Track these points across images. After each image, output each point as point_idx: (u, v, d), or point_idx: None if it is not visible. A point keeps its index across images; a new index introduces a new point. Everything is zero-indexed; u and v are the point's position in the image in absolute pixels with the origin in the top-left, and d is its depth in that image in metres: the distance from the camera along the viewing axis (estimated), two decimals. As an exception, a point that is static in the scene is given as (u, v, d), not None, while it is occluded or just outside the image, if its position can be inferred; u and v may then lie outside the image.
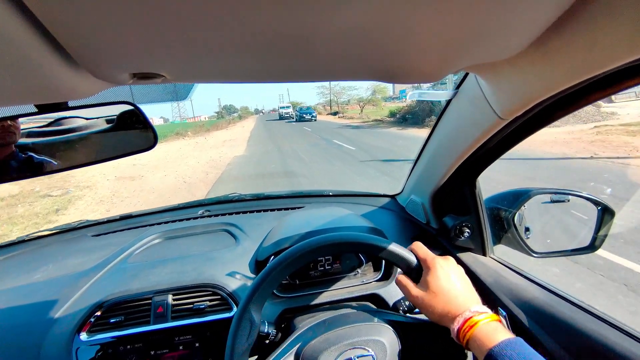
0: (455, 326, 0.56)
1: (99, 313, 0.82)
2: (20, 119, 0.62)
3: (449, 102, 0.78)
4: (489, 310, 0.58)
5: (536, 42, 0.40)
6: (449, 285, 0.60)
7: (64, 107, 0.52)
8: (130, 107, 0.56)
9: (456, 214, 1.00)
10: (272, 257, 0.94)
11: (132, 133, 0.61)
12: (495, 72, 0.52)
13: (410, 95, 0.72)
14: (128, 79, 0.41)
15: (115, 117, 0.64)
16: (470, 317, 0.56)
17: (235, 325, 0.62)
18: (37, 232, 1.26)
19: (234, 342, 0.61)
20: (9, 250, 1.18)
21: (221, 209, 1.38)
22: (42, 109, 0.51)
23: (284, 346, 0.67)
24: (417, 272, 0.66)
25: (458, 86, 0.71)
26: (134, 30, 0.30)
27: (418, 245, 0.69)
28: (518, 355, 0.49)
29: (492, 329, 0.53)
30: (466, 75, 0.68)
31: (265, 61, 0.40)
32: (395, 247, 0.67)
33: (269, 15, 0.29)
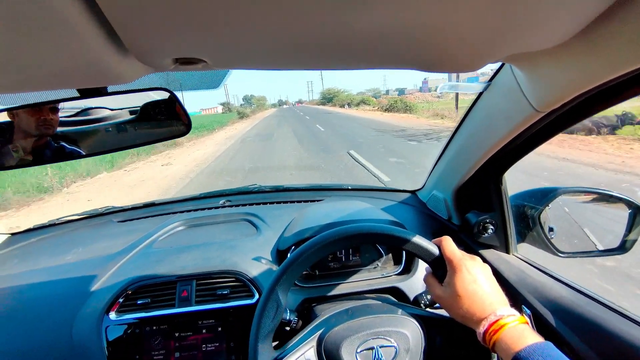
0: (481, 329, 0.55)
1: (126, 295, 0.85)
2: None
3: (479, 95, 0.77)
4: (516, 313, 0.56)
5: (582, 31, 0.39)
6: (475, 288, 0.59)
7: (104, 92, 0.54)
8: (165, 94, 0.58)
9: (480, 210, 0.98)
10: (293, 247, 0.95)
11: (165, 120, 0.63)
12: (535, 63, 0.50)
13: (440, 87, 0.71)
14: (170, 64, 0.42)
15: (139, 107, 0.66)
16: (497, 321, 0.54)
17: (262, 305, 0.64)
18: (66, 217, 1.31)
19: (260, 322, 0.63)
20: (41, 232, 1.24)
21: (242, 200, 1.40)
22: (84, 93, 0.53)
23: (306, 331, 0.68)
24: (441, 268, 0.65)
25: (491, 78, 0.70)
26: (181, 12, 0.31)
27: (447, 242, 0.65)
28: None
29: (519, 333, 0.52)
30: (501, 67, 0.66)
31: (307, 49, 0.40)
32: (416, 238, 0.66)
33: (314, 4, 0.30)
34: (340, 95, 79.73)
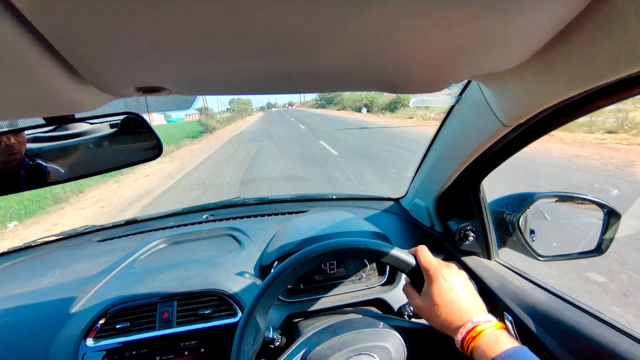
0: (459, 337, 0.56)
1: (104, 319, 0.83)
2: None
3: (451, 108, 0.78)
4: (493, 319, 0.57)
5: (538, 53, 0.40)
6: (452, 296, 0.59)
7: (70, 119, 0.53)
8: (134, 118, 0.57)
9: (460, 217, 1.00)
10: (276, 262, 0.95)
11: (138, 143, 0.62)
12: (498, 81, 0.52)
13: (413, 102, 0.73)
14: (133, 92, 0.42)
15: (119, 124, 0.65)
16: (473, 328, 0.55)
17: (240, 332, 0.63)
18: (43, 238, 1.28)
19: (239, 349, 0.62)
20: (17, 255, 1.20)
21: (225, 214, 1.38)
22: (50, 121, 0.52)
23: (289, 352, 0.67)
24: (418, 278, 0.65)
25: (461, 93, 0.71)
26: (137, 45, 0.30)
27: (422, 251, 0.65)
28: None
29: (495, 338, 0.53)
30: (469, 82, 0.68)
31: (270, 75, 0.40)
32: (391, 249, 0.66)
33: (274, 30, 0.30)
34: (344, 94, 51.36)
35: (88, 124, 0.66)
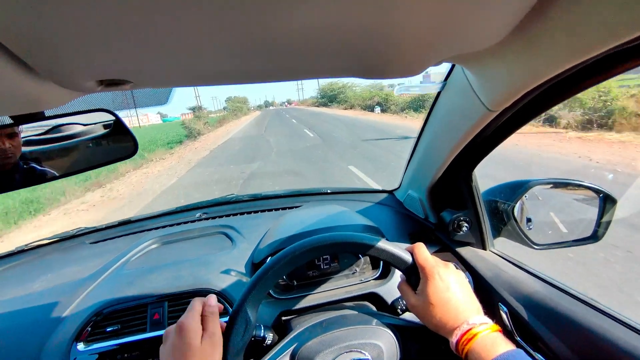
0: (454, 339, 0.55)
1: (94, 322, 0.82)
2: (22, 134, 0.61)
3: (438, 94, 0.76)
4: (489, 321, 0.56)
5: (517, 29, 0.38)
6: (448, 296, 0.58)
7: (40, 117, 0.51)
8: (108, 115, 0.55)
9: (454, 208, 0.98)
10: (268, 258, 0.93)
11: (113, 140, 0.60)
12: (480, 63, 0.49)
13: (397, 89, 0.71)
14: (95, 87, 0.40)
15: (100, 124, 0.64)
16: (469, 330, 0.54)
17: (230, 324, 0.62)
18: (35, 242, 1.26)
19: (229, 340, 0.61)
20: (8, 260, 1.19)
21: (218, 211, 1.37)
22: (18, 120, 0.50)
23: (280, 346, 0.66)
24: (414, 275, 0.63)
25: (446, 78, 0.69)
26: (90, 36, 0.29)
27: (419, 249, 0.64)
28: None
29: (491, 341, 0.52)
30: (453, 66, 0.66)
31: (237, 62, 0.38)
32: (388, 246, 0.64)
33: (239, 14, 0.28)
34: (347, 91, 49.07)
35: (80, 125, 0.66)
